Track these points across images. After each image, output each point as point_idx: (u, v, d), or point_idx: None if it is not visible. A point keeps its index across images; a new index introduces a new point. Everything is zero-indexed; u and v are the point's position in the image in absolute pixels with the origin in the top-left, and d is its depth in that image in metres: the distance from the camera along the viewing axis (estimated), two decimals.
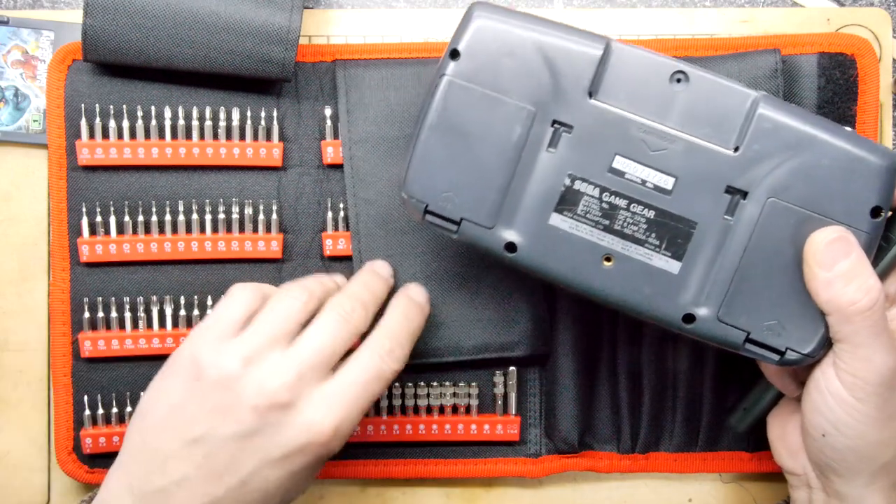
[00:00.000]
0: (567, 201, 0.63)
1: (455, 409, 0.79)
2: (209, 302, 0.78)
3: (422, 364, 0.78)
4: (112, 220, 0.77)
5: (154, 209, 0.77)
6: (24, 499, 0.81)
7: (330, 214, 0.78)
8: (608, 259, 0.64)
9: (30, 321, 0.80)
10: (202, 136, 0.77)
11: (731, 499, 0.82)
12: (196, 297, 0.78)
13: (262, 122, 0.77)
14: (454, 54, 0.63)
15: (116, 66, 0.75)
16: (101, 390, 0.78)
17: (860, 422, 0.62)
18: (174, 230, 0.77)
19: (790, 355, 0.64)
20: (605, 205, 0.63)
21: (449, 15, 0.81)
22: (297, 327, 0.67)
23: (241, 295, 0.68)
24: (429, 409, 0.79)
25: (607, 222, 0.63)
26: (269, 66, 0.74)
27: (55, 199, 0.77)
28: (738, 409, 0.76)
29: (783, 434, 0.72)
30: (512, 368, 0.79)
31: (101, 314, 0.77)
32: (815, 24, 0.81)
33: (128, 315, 0.77)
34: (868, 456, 0.63)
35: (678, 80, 0.62)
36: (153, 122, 0.77)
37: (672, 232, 0.63)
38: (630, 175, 0.63)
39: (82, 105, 0.76)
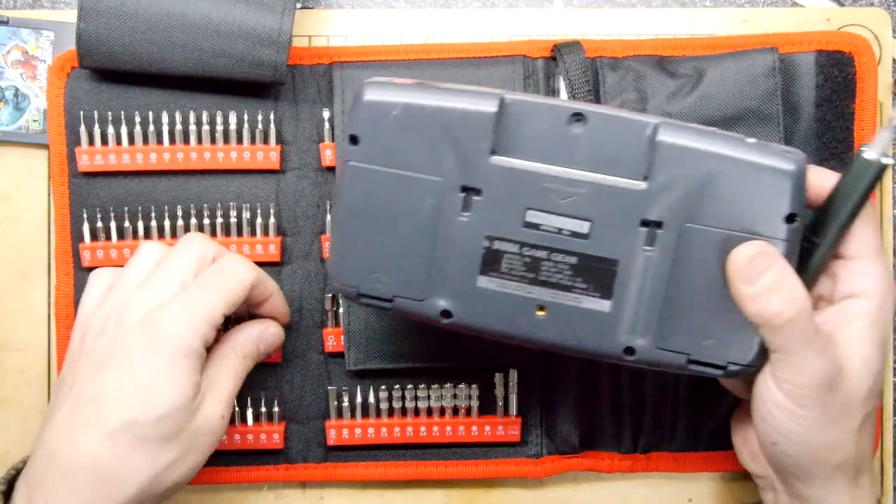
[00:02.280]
0: (490, 262, 0.63)
1: (456, 410, 0.79)
2: None
3: (417, 369, 0.79)
4: (112, 225, 0.77)
5: (154, 214, 0.77)
6: None
7: (329, 217, 0.78)
8: (541, 309, 0.64)
9: (30, 321, 0.81)
10: (200, 141, 0.77)
11: (732, 498, 0.82)
12: None
13: (260, 126, 0.77)
14: (353, 139, 0.63)
15: (114, 72, 0.75)
16: None
17: (806, 428, 0.62)
18: (174, 234, 0.77)
19: (732, 368, 0.63)
20: (527, 259, 0.63)
21: (449, 15, 0.81)
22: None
23: (146, 252, 0.71)
24: (429, 411, 0.79)
25: (533, 275, 0.63)
26: (261, 68, 0.74)
27: (58, 206, 0.77)
28: (706, 409, 0.77)
29: (745, 438, 0.72)
30: (513, 370, 0.79)
31: None
32: (815, 24, 0.81)
33: None
34: (820, 459, 0.64)
35: (577, 121, 0.61)
36: (151, 127, 0.77)
37: (596, 273, 0.63)
38: (545, 226, 0.62)
39: (81, 112, 0.76)
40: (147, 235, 0.77)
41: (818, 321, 0.63)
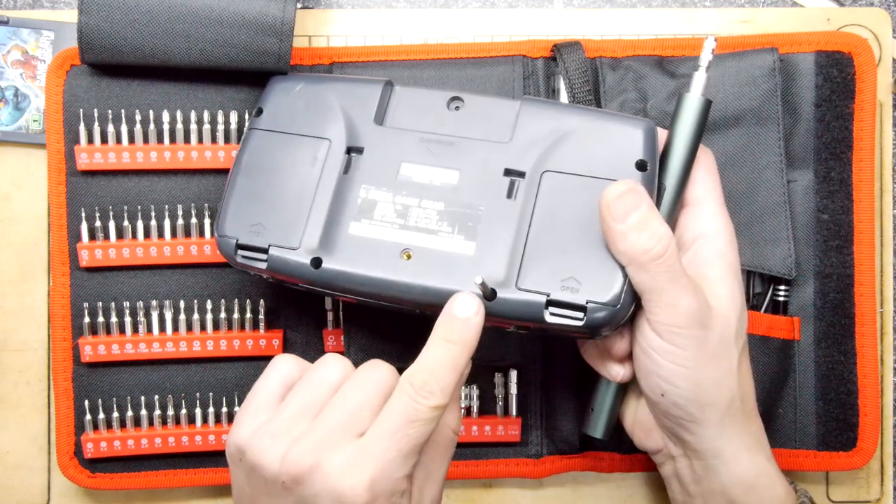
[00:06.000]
0: (364, 210, 0.69)
1: None
2: (209, 306, 0.78)
3: None
4: (111, 224, 0.77)
5: (153, 213, 0.77)
6: (23, 499, 0.81)
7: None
8: (408, 255, 0.68)
9: (30, 321, 0.81)
10: (201, 140, 0.77)
11: None
12: (196, 301, 0.78)
13: None
14: (258, 112, 0.73)
15: (114, 69, 0.76)
16: (101, 395, 0.78)
17: (688, 368, 0.64)
18: (174, 234, 0.77)
19: (593, 309, 0.64)
20: (398, 206, 0.69)
21: (449, 15, 0.82)
22: (330, 396, 0.62)
23: (279, 367, 0.65)
24: None
25: (402, 221, 0.68)
26: (266, 57, 0.74)
27: (55, 205, 0.77)
28: (588, 415, 0.75)
29: (634, 418, 0.73)
30: (512, 370, 0.79)
31: (101, 319, 0.77)
32: (815, 24, 0.81)
33: (127, 320, 0.78)
34: (708, 402, 0.65)
35: (456, 108, 0.71)
36: (151, 125, 0.77)
37: (462, 218, 0.68)
38: (418, 177, 0.69)
39: (81, 110, 0.76)
40: (146, 235, 0.77)
41: None
